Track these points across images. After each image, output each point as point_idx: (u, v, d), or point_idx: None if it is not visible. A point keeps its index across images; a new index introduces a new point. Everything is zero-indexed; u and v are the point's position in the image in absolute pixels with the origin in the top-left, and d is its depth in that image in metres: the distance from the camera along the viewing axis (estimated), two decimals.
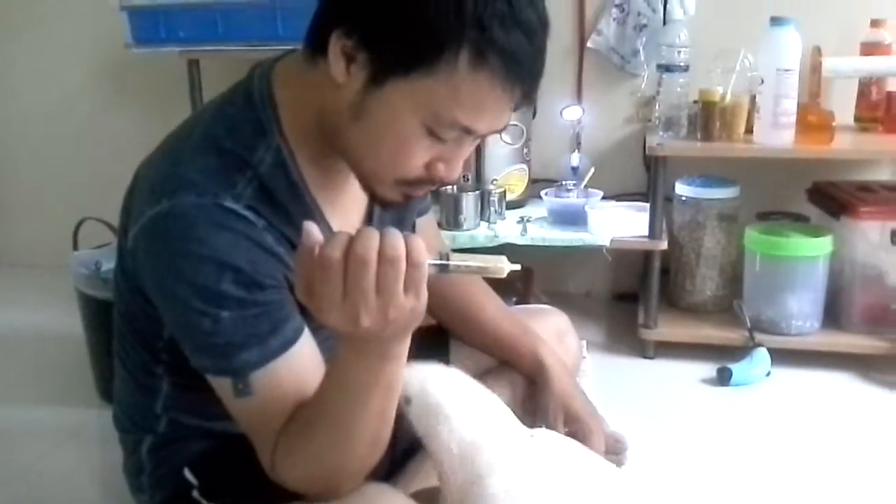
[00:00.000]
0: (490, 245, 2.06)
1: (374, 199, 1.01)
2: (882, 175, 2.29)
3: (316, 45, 0.93)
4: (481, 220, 2.18)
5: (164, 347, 1.05)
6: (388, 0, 0.87)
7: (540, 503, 0.95)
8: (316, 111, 0.96)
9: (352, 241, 0.75)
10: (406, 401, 0.96)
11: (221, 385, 0.94)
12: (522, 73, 0.88)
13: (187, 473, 1.08)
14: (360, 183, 1.00)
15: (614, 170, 2.40)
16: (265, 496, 0.99)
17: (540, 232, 2.12)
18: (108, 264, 1.83)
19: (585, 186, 2.25)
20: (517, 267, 0.89)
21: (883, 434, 1.72)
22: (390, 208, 1.05)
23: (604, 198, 2.25)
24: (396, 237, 0.76)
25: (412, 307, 0.79)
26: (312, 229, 0.77)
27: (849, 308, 2.03)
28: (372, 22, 0.87)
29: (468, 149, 0.95)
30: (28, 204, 2.90)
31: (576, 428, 1.26)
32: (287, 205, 0.97)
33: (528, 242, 2.10)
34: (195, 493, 1.06)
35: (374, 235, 0.75)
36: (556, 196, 2.23)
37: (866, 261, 2.00)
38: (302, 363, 0.95)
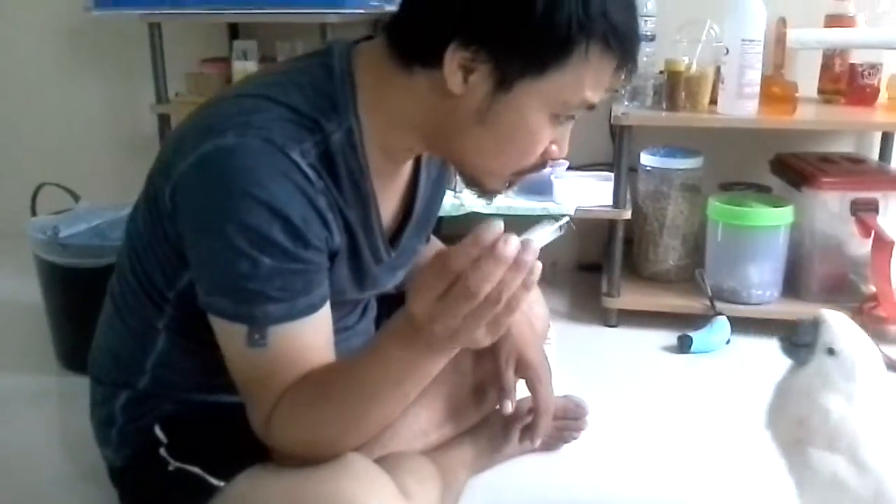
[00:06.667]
0: (456, 214, 2.05)
1: (479, 190, 1.03)
2: (844, 147, 2.32)
3: (413, 55, 0.94)
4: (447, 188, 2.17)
5: (174, 300, 1.03)
6: (512, 11, 0.88)
7: None
8: (415, 116, 0.97)
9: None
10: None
11: (233, 332, 0.93)
12: (635, 49, 0.94)
13: (158, 431, 1.08)
14: (467, 178, 1.03)
15: (580, 139, 2.33)
16: (232, 460, 0.99)
17: (505, 201, 2.11)
18: (67, 230, 1.81)
19: None
20: None
21: None
22: (490, 196, 1.08)
23: (569, 167, 2.25)
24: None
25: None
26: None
27: (808, 278, 2.06)
28: (496, 33, 0.89)
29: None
30: None
31: (527, 375, 1.29)
32: (344, 182, 0.97)
33: (494, 211, 2.08)
34: (162, 451, 1.06)
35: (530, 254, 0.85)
36: None
37: (826, 231, 2.02)
38: (318, 330, 0.96)
